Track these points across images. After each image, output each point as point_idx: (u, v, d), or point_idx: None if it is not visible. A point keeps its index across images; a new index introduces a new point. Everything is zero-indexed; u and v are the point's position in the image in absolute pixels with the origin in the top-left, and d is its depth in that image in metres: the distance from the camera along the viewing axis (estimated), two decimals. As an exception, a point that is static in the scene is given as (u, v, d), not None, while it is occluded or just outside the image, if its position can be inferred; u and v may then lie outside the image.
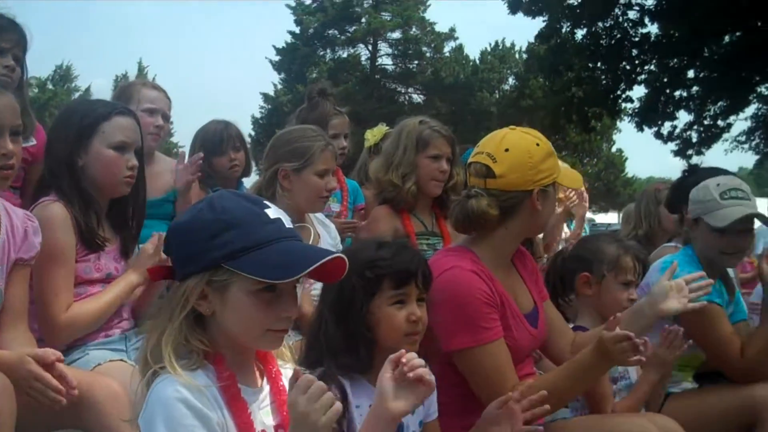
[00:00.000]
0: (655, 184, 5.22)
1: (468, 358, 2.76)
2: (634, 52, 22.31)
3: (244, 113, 50.72)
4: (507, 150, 2.89)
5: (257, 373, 2.06)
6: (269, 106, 41.16)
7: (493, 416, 2.52)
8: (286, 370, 2.11)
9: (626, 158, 43.91)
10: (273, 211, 1.97)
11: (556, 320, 3.20)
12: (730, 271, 4.46)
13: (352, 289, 2.41)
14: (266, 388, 2.05)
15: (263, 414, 2.00)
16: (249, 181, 4.96)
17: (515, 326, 2.87)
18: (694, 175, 3.93)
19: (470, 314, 2.73)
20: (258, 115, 41.83)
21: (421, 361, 2.04)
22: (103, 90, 43.38)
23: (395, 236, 3.68)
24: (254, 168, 5.05)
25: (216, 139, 4.65)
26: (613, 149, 43.73)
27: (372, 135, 5.03)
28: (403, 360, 2.01)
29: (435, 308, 2.60)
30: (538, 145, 2.91)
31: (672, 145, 23.75)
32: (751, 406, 3.39)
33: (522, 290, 3.06)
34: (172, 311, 1.93)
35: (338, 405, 1.83)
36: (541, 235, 4.34)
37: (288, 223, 1.98)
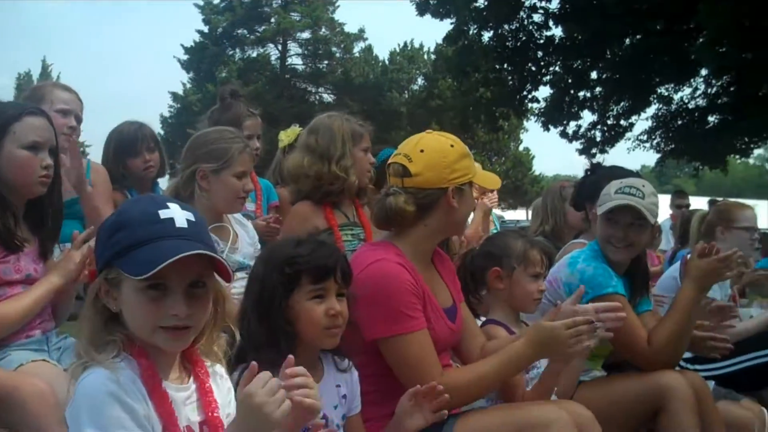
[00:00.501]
0: (561, 182, 5.41)
1: (394, 347, 2.85)
2: (540, 54, 22.68)
3: (152, 112, 49.94)
4: (422, 151, 3.02)
5: (184, 373, 2.10)
6: (178, 105, 40.66)
7: (406, 408, 2.61)
8: (214, 370, 2.16)
9: (533, 157, 44.77)
10: (167, 212, 1.99)
11: (470, 322, 3.33)
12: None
13: (272, 285, 2.50)
14: (192, 386, 2.09)
15: (189, 411, 2.05)
16: (164, 182, 4.96)
17: (435, 319, 2.99)
18: (594, 173, 4.10)
19: (397, 304, 2.84)
20: (167, 114, 41.25)
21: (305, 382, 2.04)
22: (5, 89, 42.17)
23: (316, 232, 3.76)
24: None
25: (130, 139, 4.64)
26: (521, 148, 44.51)
27: (286, 136, 5.07)
28: (288, 371, 2.03)
29: (362, 298, 2.73)
30: (452, 146, 3.05)
31: (577, 144, 24.23)
32: (656, 392, 3.57)
33: (441, 287, 3.19)
34: (88, 307, 2.00)
35: (289, 402, 1.90)
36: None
37: (182, 222, 1.98)
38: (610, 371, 3.95)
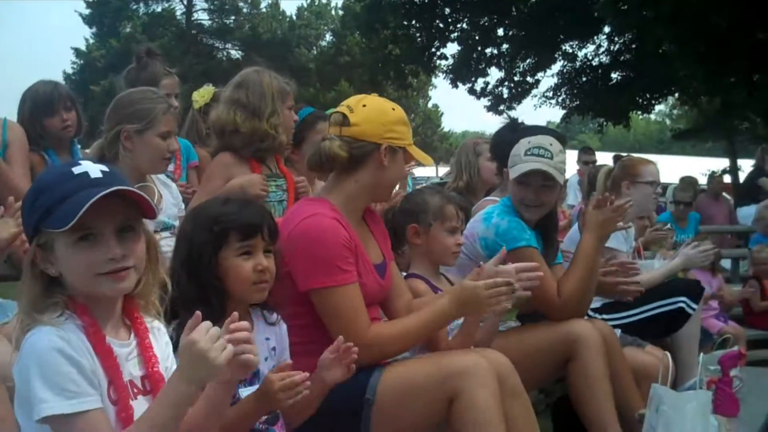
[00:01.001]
0: (474, 139, 5.54)
1: (325, 298, 2.95)
2: (447, 10, 22.87)
3: (55, 69, 48.51)
4: (364, 105, 3.16)
5: (125, 329, 2.16)
6: (81, 62, 39.58)
7: (327, 362, 2.69)
8: (153, 325, 2.23)
9: (442, 113, 45.12)
10: (80, 168, 2.04)
11: (398, 280, 3.43)
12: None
13: (200, 243, 2.58)
14: (133, 342, 2.15)
15: (131, 365, 2.11)
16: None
17: (365, 273, 3.10)
18: (514, 131, 4.23)
19: (331, 256, 2.93)
20: (70, 71, 40.10)
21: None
22: None
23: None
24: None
25: (46, 99, 4.55)
26: (430, 105, 44.75)
27: (200, 96, 5.06)
28: (232, 327, 2.10)
29: (298, 250, 2.89)
30: (393, 109, 3.19)
31: (485, 101, 24.59)
32: (567, 341, 3.75)
33: (372, 243, 3.30)
34: (26, 275, 2.04)
35: (231, 348, 1.97)
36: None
37: (96, 174, 2.02)
38: (524, 321, 4.13)
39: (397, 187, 5.34)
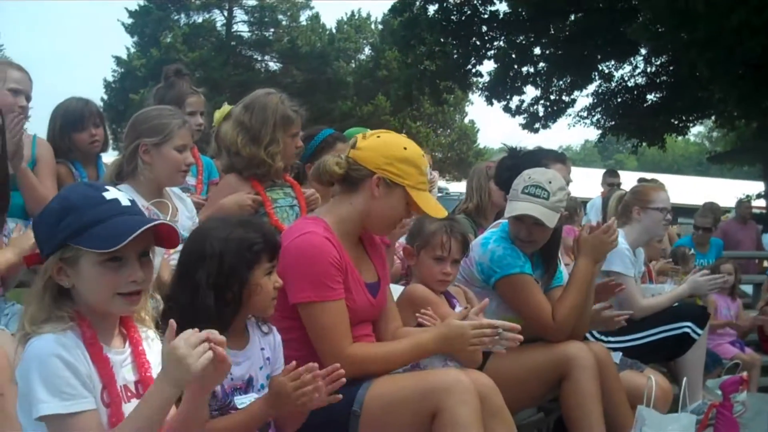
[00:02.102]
0: (487, 162, 5.65)
1: (311, 312, 3.13)
2: (484, 28, 22.92)
3: (96, 77, 49.24)
4: (378, 137, 3.32)
5: (120, 338, 2.39)
6: (122, 70, 40.07)
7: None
8: (147, 334, 2.46)
9: (478, 130, 44.99)
10: (110, 194, 2.30)
11: (390, 305, 3.56)
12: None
13: (236, 263, 2.74)
14: (128, 350, 2.39)
15: (125, 371, 2.35)
16: (107, 157, 5.14)
17: (355, 289, 3.24)
18: (514, 158, 4.37)
19: (319, 273, 3.09)
20: (110, 79, 40.69)
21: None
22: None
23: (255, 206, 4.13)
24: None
25: (77, 115, 4.83)
26: (466, 121, 44.72)
27: (220, 114, 5.26)
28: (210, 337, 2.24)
29: (289, 266, 3.05)
30: (405, 148, 3.29)
31: (520, 119, 24.60)
32: (561, 361, 3.88)
33: (366, 264, 3.44)
34: (38, 286, 2.27)
35: (211, 353, 2.16)
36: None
37: (126, 202, 2.30)
38: (522, 342, 4.26)
39: None
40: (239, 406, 2.76)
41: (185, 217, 4.09)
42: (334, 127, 5.81)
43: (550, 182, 4.07)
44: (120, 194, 2.33)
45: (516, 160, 4.32)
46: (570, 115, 24.74)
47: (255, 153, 4.20)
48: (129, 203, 2.32)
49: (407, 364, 3.25)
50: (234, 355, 2.76)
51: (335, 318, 3.12)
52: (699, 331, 5.05)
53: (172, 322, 2.19)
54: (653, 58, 22.52)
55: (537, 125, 24.14)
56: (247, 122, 4.24)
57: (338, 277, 3.14)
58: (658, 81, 22.79)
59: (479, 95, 25.08)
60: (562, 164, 4.73)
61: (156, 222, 2.28)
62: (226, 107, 4.95)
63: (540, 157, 4.50)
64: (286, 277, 3.04)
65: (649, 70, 23.25)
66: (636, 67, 23.53)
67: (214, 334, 2.21)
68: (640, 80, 23.54)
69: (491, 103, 24.01)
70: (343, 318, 3.14)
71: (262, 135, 4.20)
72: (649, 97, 23.10)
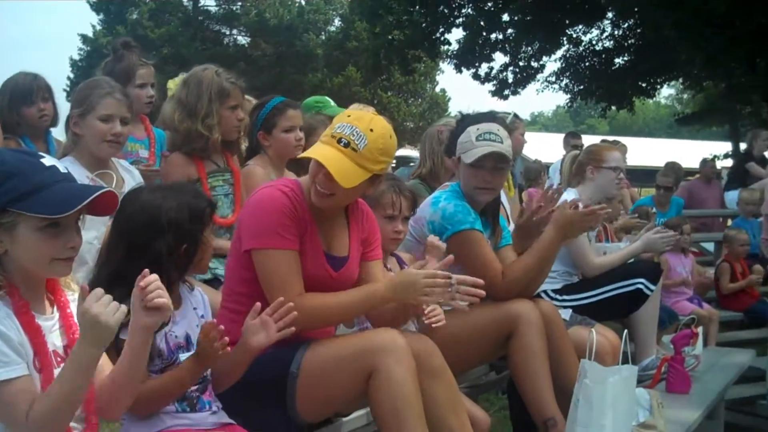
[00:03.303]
0: (438, 126, 5.64)
1: (261, 259, 3.13)
2: (452, -5, 22.93)
3: (62, 56, 48.73)
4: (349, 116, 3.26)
5: (47, 303, 2.42)
6: (88, 48, 39.64)
7: (249, 327, 2.88)
8: (74, 297, 2.48)
9: (449, 98, 44.96)
10: (48, 160, 2.33)
11: (378, 279, 3.43)
12: (505, 202, 5.05)
13: (194, 228, 2.82)
14: (56, 315, 2.42)
15: (54, 337, 2.37)
16: (57, 132, 5.13)
17: (311, 255, 3.22)
18: (462, 122, 4.39)
19: (271, 221, 3.10)
20: (77, 57, 40.29)
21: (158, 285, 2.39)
22: None
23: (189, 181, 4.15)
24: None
25: (25, 90, 4.82)
26: (437, 89, 44.66)
27: (174, 84, 5.24)
28: (141, 284, 2.35)
29: (246, 215, 3.17)
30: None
31: (490, 86, 24.65)
32: (508, 319, 3.93)
33: (340, 237, 3.39)
34: None
35: (124, 307, 2.20)
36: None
37: (63, 169, 2.33)
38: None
39: None
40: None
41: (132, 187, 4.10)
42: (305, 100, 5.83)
43: (498, 130, 4.16)
44: (56, 161, 2.36)
45: (464, 123, 4.33)
46: (539, 80, 24.84)
47: (191, 127, 4.26)
48: (66, 171, 2.34)
49: (360, 312, 3.28)
50: (173, 315, 2.79)
51: (285, 266, 3.11)
52: (652, 287, 5.09)
53: (85, 285, 2.24)
54: (620, 21, 22.60)
55: (507, 92, 24.25)
56: (183, 98, 4.32)
57: (291, 228, 3.12)
58: (625, 44, 22.93)
59: (448, 63, 25.11)
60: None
61: (104, 189, 2.30)
62: (183, 76, 4.96)
63: (488, 119, 4.51)
64: (242, 227, 3.16)
65: (616, 33, 23.37)
66: (603, 30, 23.64)
67: (147, 279, 2.33)
68: (608, 44, 23.68)
69: (460, 71, 24.08)
70: (293, 268, 3.13)
71: (198, 108, 4.26)
72: (617, 60, 23.23)
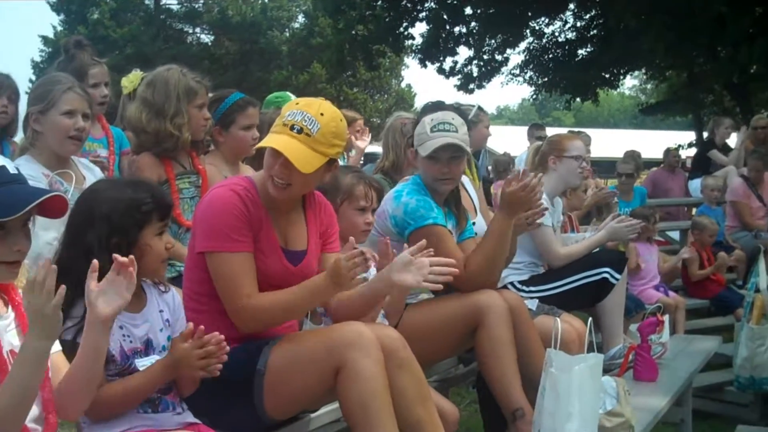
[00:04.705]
0: (401, 119, 5.63)
1: (213, 262, 3.12)
2: (414, -11, 22.88)
3: (23, 57, 48.15)
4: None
5: (1, 302, 2.38)
6: (49, 49, 39.22)
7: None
8: None
9: (415, 94, 45.01)
10: None
11: None
12: (472, 192, 5.06)
13: (126, 224, 2.74)
14: (11, 314, 2.38)
15: (10, 336, 2.34)
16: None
17: (268, 251, 3.22)
18: (422, 113, 4.40)
19: (222, 224, 3.08)
20: (38, 59, 39.84)
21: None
22: None
23: (158, 183, 4.07)
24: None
25: None
26: (403, 85, 44.70)
27: (129, 81, 5.20)
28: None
29: (199, 217, 3.14)
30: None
31: (455, 80, 24.64)
32: (475, 310, 3.94)
33: (297, 231, 3.39)
34: None
35: (63, 288, 2.16)
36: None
37: (13, 169, 2.29)
38: (437, 294, 4.32)
39: None
40: (140, 369, 2.77)
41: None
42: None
43: (453, 119, 4.17)
44: (7, 161, 2.32)
45: (422, 115, 4.33)
46: (504, 73, 24.88)
47: (160, 126, 4.22)
48: (17, 171, 2.31)
49: (309, 306, 3.26)
50: (131, 318, 2.80)
51: (237, 269, 3.10)
52: (617, 275, 5.13)
53: (27, 280, 2.19)
54: (582, 13, 22.70)
55: (472, 86, 24.22)
56: (150, 98, 4.27)
57: (243, 230, 3.12)
58: (588, 35, 23.01)
59: (413, 58, 25.10)
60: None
61: (52, 193, 2.27)
62: (136, 73, 4.89)
63: (444, 108, 4.51)
64: (195, 228, 3.17)
65: (578, 24, 23.44)
66: (566, 22, 23.71)
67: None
68: (571, 35, 23.73)
69: (425, 66, 24.02)
70: (245, 270, 3.12)
71: (166, 108, 4.23)
72: (580, 51, 23.30)
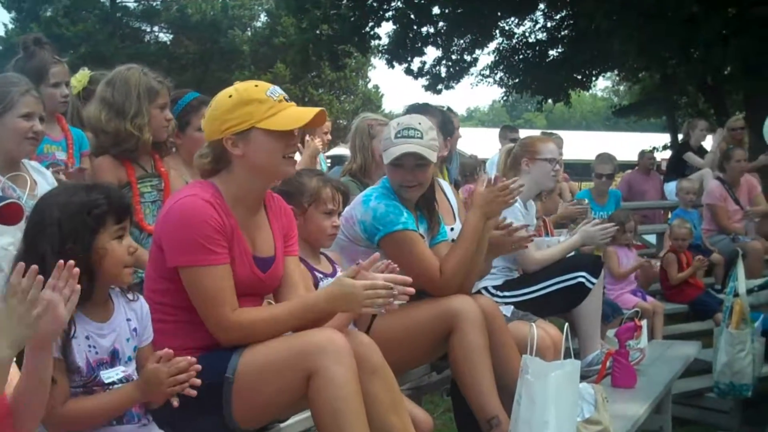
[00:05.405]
0: (369, 120, 5.64)
1: (190, 277, 3.09)
2: (381, -12, 22.90)
3: (-28, 57, 47.48)
4: (210, 106, 3.27)
5: None
6: (0, 48, 38.84)
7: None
8: None
9: (382, 95, 45.20)
10: None
11: (294, 275, 3.48)
12: (452, 197, 5.07)
13: (77, 229, 2.69)
14: None
15: None
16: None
17: (239, 260, 3.20)
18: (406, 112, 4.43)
19: (198, 236, 3.05)
20: (-11, 58, 39.43)
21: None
22: None
23: (119, 187, 4.01)
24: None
25: None
26: (369, 86, 44.80)
27: (77, 81, 5.16)
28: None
29: (169, 227, 3.08)
30: (230, 96, 3.19)
31: (423, 80, 24.68)
32: (448, 315, 3.96)
33: (264, 236, 3.38)
34: None
35: (50, 296, 2.18)
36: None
37: None
38: (410, 299, 4.32)
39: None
40: (106, 381, 2.75)
41: (46, 190, 4.01)
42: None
43: (419, 123, 4.17)
44: None
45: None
46: (473, 74, 24.97)
47: (120, 126, 4.22)
48: None
49: (298, 325, 3.20)
50: (98, 328, 2.77)
51: (218, 283, 3.09)
52: (593, 280, 5.17)
53: (10, 284, 2.17)
54: (552, 13, 22.83)
55: (440, 86, 24.26)
56: (109, 98, 4.27)
57: (221, 241, 3.10)
58: (558, 36, 23.10)
59: (380, 58, 25.10)
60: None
61: (7, 201, 2.29)
62: (83, 72, 4.85)
63: (421, 111, 4.54)
64: (166, 240, 3.10)
65: (549, 25, 23.56)
66: (536, 22, 23.84)
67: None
68: (541, 36, 23.83)
69: (392, 66, 24.00)
70: (227, 283, 3.12)
71: (127, 108, 4.22)
72: (551, 52, 23.38)
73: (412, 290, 3.21)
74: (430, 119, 4.37)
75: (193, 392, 2.79)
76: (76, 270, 2.31)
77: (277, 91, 3.19)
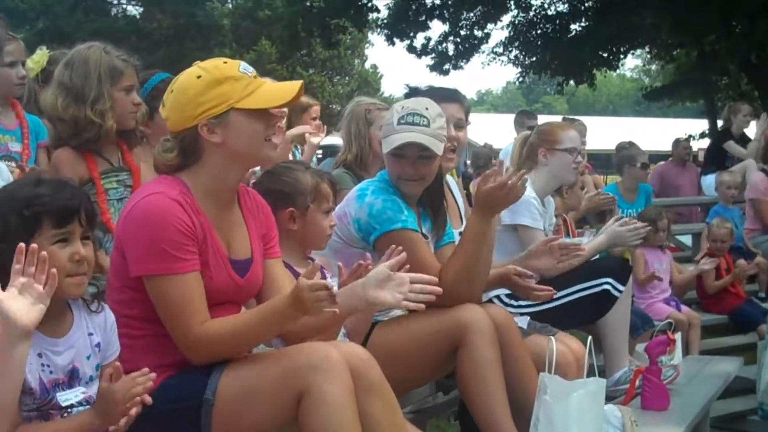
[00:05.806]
0: (366, 104, 5.61)
1: (155, 286, 3.06)
2: (379, -45, 22.91)
3: None
4: (172, 91, 3.22)
5: None
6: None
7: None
8: None
9: (381, 76, 45.18)
10: None
11: (279, 279, 3.45)
12: (458, 195, 5.06)
13: (10, 230, 2.64)
14: None
15: None
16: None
17: (214, 265, 3.17)
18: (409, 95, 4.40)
19: (161, 241, 3.01)
20: (-68, 36, 39.40)
21: None
22: None
23: (80, 184, 3.94)
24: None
25: None
26: (366, 65, 44.77)
27: (34, 62, 5.12)
28: None
29: (131, 231, 3.05)
30: (199, 77, 3.16)
31: (427, 59, 24.66)
32: (455, 327, 3.92)
33: (240, 237, 3.35)
34: None
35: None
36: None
37: None
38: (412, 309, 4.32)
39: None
40: (63, 404, 2.72)
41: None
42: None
43: (427, 108, 4.12)
44: None
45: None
46: (484, 52, 24.95)
47: (79, 113, 4.15)
48: None
49: (263, 334, 3.18)
50: (52, 344, 2.74)
51: (187, 293, 3.06)
52: (620, 287, 5.13)
53: None
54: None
55: (447, 66, 24.29)
56: (67, 81, 4.20)
57: (189, 246, 3.07)
58: (582, 7, 23.10)
59: (378, 34, 25.10)
60: (458, 104, 4.75)
61: None
62: (41, 52, 4.82)
63: (430, 95, 4.50)
64: (127, 245, 3.05)
65: (571, -6, 23.55)
66: (556, -9, 23.82)
67: None
68: (562, 7, 23.82)
69: (393, 43, 24.05)
70: (194, 293, 3.08)
71: (86, 92, 4.16)
72: (573, 26, 23.41)
73: (439, 290, 3.24)
74: (458, 107, 4.35)
75: (148, 400, 2.72)
76: (43, 254, 2.36)
77: (249, 67, 3.18)
